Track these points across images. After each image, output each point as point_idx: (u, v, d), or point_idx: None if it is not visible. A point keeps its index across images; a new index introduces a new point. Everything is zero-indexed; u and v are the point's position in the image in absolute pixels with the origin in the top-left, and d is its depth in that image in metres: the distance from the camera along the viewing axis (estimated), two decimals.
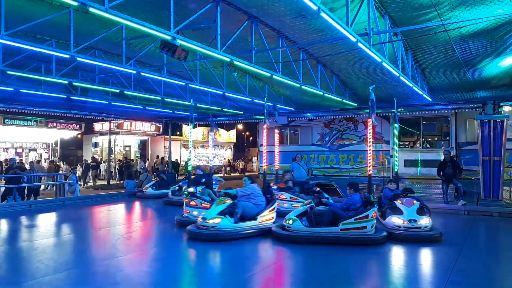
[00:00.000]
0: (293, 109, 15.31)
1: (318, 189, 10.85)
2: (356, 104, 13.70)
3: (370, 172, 7.98)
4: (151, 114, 16.28)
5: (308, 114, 15.98)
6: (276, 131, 13.31)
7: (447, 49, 8.85)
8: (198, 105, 14.11)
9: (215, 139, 31.28)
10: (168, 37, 6.43)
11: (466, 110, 12.76)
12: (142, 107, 14.61)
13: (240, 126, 39.37)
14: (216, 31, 7.11)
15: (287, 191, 10.53)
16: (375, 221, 7.21)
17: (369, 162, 8.06)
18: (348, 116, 15.84)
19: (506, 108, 11.99)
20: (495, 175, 11.59)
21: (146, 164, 25.02)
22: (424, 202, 8.21)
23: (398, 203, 7.83)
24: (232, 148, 35.55)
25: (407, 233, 7.22)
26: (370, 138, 8.20)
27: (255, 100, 12.79)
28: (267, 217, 7.78)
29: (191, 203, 8.63)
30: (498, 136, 11.44)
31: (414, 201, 7.81)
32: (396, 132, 9.70)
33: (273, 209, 8.01)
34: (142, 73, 9.48)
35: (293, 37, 8.90)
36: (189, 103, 13.68)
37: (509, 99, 11.67)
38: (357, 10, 6.66)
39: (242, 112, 16.75)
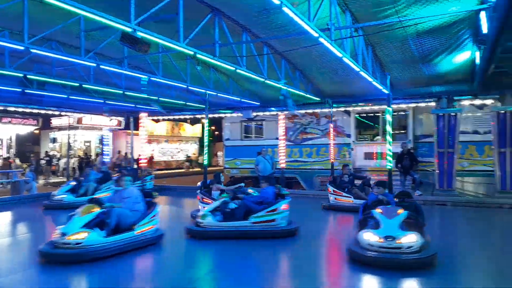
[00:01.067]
0: (258, 103, 15.40)
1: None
2: (319, 99, 13.96)
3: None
4: (113, 109, 15.85)
5: (273, 109, 16.12)
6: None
7: (405, 45, 9.20)
8: (161, 99, 13.89)
9: (179, 134, 30.96)
10: (129, 29, 6.28)
11: (422, 104, 13.34)
12: (102, 101, 14.19)
13: (205, 121, 39.17)
14: (178, 23, 7.02)
15: None
16: (287, 213, 7.25)
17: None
18: (312, 110, 16.13)
19: (459, 102, 12.64)
20: (450, 166, 12.23)
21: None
22: (422, 211, 6.54)
23: (376, 212, 5.96)
24: (197, 143, 35.26)
25: (380, 256, 5.26)
26: (282, 135, 8.37)
27: (219, 95, 12.74)
28: (147, 226, 6.52)
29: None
30: (452, 129, 12.06)
31: (399, 211, 5.87)
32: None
33: (154, 216, 6.74)
34: (102, 66, 9.21)
35: (257, 31, 8.94)
36: (153, 97, 13.50)
37: (462, 94, 12.31)
38: (319, 5, 6.77)
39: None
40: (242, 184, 9.79)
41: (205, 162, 10.83)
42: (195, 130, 34.46)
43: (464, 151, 13.66)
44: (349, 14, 7.94)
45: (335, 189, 10.51)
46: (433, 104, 12.79)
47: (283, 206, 7.21)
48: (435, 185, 12.51)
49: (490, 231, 8.59)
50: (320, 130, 16.47)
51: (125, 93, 12.86)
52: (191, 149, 34.39)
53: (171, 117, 23.00)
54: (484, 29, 7.71)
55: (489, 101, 12.59)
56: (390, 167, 7.91)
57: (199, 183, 9.46)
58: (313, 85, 13.38)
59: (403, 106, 14.25)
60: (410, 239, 5.29)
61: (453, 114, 11.99)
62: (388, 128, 8.00)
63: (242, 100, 14.28)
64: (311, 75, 12.59)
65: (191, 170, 30.81)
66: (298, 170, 16.74)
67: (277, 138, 16.98)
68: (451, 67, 10.64)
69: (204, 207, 8.34)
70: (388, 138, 8.06)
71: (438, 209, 10.81)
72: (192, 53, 7.76)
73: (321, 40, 7.08)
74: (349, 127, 15.70)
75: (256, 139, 17.72)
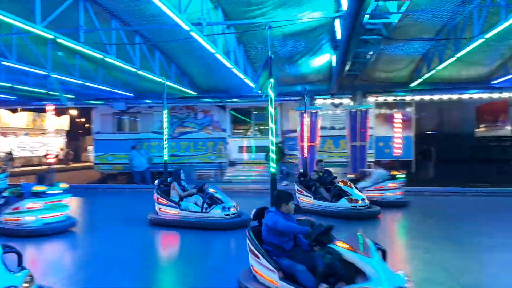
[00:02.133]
0: (133, 95, 14.77)
1: None
2: (195, 93, 14.03)
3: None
4: None
5: (148, 101, 15.64)
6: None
7: (273, 45, 9.83)
8: (15, 86, 12.28)
9: (41, 126, 27.79)
10: None
11: (288, 101, 14.48)
12: None
13: (74, 112, 35.83)
14: (35, 2, 6.34)
15: None
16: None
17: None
18: (188, 105, 16.13)
19: (319, 101, 14.08)
20: (311, 158, 13.55)
21: None
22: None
23: None
24: (65, 136, 32.12)
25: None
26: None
27: (86, 84, 11.84)
28: None
29: None
30: (313, 125, 13.41)
31: None
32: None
33: None
34: None
35: (127, 20, 8.57)
36: (5, 84, 11.84)
37: (322, 93, 13.72)
38: None
39: (73, 97, 15.32)
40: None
41: (165, 158, 9.28)
42: (61, 122, 31.31)
43: (323, 144, 15.25)
44: (221, 10, 8.17)
45: (298, 187, 9.27)
46: (297, 101, 13.99)
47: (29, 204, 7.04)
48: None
49: None
50: (197, 124, 16.56)
51: None
52: (57, 143, 31.18)
53: (31, 107, 20.54)
54: (338, 35, 8.74)
55: (344, 100, 14.27)
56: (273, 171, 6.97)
57: (156, 181, 8.42)
58: (189, 79, 13.40)
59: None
60: None
61: (314, 111, 13.31)
62: (271, 125, 7.99)
63: (114, 90, 13.52)
64: (187, 69, 12.58)
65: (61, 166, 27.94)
66: (176, 164, 16.58)
67: (153, 132, 16.53)
68: (313, 68, 11.77)
69: (160, 208, 7.88)
70: (271, 137, 8.50)
71: None
72: (51, 37, 7.07)
73: (193, 34, 7.15)
74: (225, 122, 16.15)
75: (130, 132, 16.95)
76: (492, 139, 17.14)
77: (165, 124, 9.25)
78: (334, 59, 10.67)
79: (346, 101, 14.26)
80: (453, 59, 9.21)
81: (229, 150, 16.04)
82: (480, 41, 7.84)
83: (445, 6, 7.84)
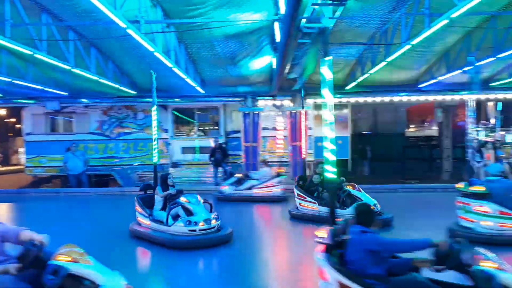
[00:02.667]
0: (67, 93, 14.02)
1: None
2: (135, 92, 13.64)
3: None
4: None
5: (84, 100, 14.94)
6: None
7: (214, 45, 9.84)
8: None
9: None
10: None
11: (232, 102, 14.56)
12: None
13: (2, 112, 33.26)
14: None
15: None
16: None
17: None
18: (128, 104, 15.63)
19: (261, 102, 14.30)
20: (254, 158, 13.82)
21: None
22: None
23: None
24: None
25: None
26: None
27: (14, 81, 11.06)
28: None
29: None
30: (256, 125, 13.66)
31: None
32: None
33: None
34: None
35: (60, 14, 8.15)
36: None
37: (264, 94, 13.96)
38: None
39: (0, 95, 14.27)
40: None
41: (155, 160, 8.24)
42: None
43: (265, 145, 15.51)
44: (160, 9, 8.03)
45: (299, 192, 8.52)
46: (240, 102, 14.11)
47: None
48: None
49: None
50: (137, 124, 16.09)
51: None
52: None
53: None
54: (277, 38, 8.94)
55: (285, 102, 14.61)
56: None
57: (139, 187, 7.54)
58: (128, 77, 13.00)
59: (215, 103, 15.22)
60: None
61: (256, 112, 13.52)
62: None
63: (46, 89, 12.76)
64: (125, 68, 12.20)
65: None
66: (114, 166, 15.98)
67: (90, 133, 15.83)
68: (254, 70, 11.94)
69: (137, 217, 6.95)
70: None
71: None
72: None
73: (130, 32, 6.96)
74: (167, 122, 15.86)
75: (64, 133, 16.06)
76: (421, 138, 18.42)
77: (154, 123, 8.35)
78: (274, 61, 10.89)
79: (287, 102, 14.61)
80: (384, 63, 9.80)
81: (172, 151, 15.77)
82: (407, 47, 8.43)
83: (376, 13, 8.34)
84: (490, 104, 22.57)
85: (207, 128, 16.38)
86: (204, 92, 13.22)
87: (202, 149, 15.48)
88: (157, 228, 6.57)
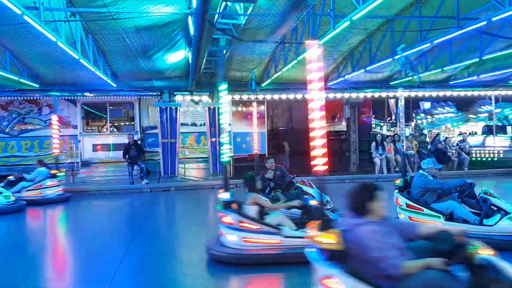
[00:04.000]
0: None
1: None
2: (37, 85, 12.56)
3: None
4: None
5: None
6: None
7: (125, 37, 9.45)
8: None
9: None
10: None
11: (148, 97, 14.12)
12: None
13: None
14: None
15: None
16: None
17: None
18: (31, 98, 14.37)
19: (179, 97, 14.10)
20: (172, 155, 13.55)
21: None
22: None
23: None
24: None
25: None
26: None
27: None
28: None
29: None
30: (174, 121, 13.40)
31: None
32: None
33: None
34: None
35: None
36: None
37: (181, 89, 13.75)
38: None
39: None
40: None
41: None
42: None
43: (185, 141, 15.34)
44: None
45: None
46: (157, 97, 13.73)
47: None
48: (161, 173, 13.56)
49: (200, 204, 10.28)
50: (42, 120, 14.87)
51: None
52: None
53: None
54: (192, 32, 8.87)
55: (203, 97, 14.56)
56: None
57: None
58: (30, 69, 11.92)
59: (129, 98, 14.65)
60: None
61: (174, 107, 13.28)
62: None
63: None
64: (25, 59, 11.16)
65: None
66: (18, 166, 14.60)
67: None
68: (169, 64, 11.70)
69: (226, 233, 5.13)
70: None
71: (163, 194, 11.80)
72: None
73: (27, 19, 6.40)
74: (76, 118, 14.89)
75: None
76: (332, 133, 19.58)
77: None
78: (190, 56, 10.78)
79: (205, 98, 14.58)
80: (294, 62, 10.23)
81: (82, 149, 14.85)
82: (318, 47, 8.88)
83: (286, 12, 8.67)
84: (392, 101, 24.81)
85: (121, 123, 15.69)
86: (116, 86, 12.62)
87: (116, 146, 14.82)
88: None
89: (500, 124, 21.02)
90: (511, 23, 8.86)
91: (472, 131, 23.28)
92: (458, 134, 21.28)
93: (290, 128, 23.14)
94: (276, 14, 8.53)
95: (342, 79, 13.11)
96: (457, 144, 15.18)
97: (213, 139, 13.72)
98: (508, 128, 20.18)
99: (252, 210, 5.25)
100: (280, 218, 5.21)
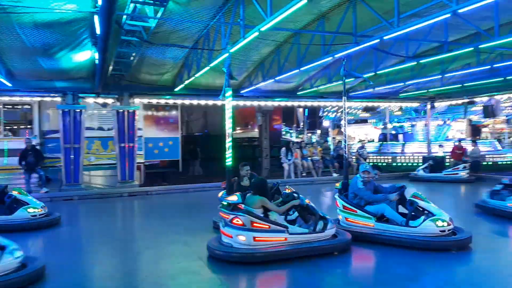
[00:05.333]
0: None
1: None
2: None
3: None
4: None
5: None
6: None
7: (21, 34, 8.67)
8: None
9: None
10: None
11: (49, 98, 13.06)
12: None
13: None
14: None
15: None
16: None
17: None
18: None
19: (85, 100, 13.27)
20: (76, 161, 12.62)
21: None
22: None
23: None
24: None
25: None
26: None
27: None
28: None
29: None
30: (78, 125, 12.51)
31: None
32: None
33: None
34: None
35: None
36: None
37: (87, 91, 12.97)
38: None
39: None
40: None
41: None
42: None
43: (91, 146, 14.46)
44: None
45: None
46: (59, 99, 12.75)
47: None
48: (63, 181, 12.60)
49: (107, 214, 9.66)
50: None
51: None
52: None
53: None
54: (98, 31, 8.47)
55: (110, 100, 13.85)
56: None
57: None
58: None
59: (27, 99, 13.42)
60: None
61: (78, 110, 12.45)
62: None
63: None
64: None
65: None
66: None
67: None
68: (74, 64, 10.99)
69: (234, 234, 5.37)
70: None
71: (65, 204, 10.95)
72: None
73: None
74: None
75: None
76: (245, 140, 20.08)
77: None
78: (96, 56, 10.26)
79: (111, 101, 13.89)
80: (207, 68, 10.32)
81: None
82: (226, 54, 9.06)
83: (198, 18, 8.74)
84: (300, 110, 26.21)
85: (16, 127, 14.30)
86: (11, 85, 11.49)
87: (12, 152, 13.46)
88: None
89: (393, 132, 23.46)
90: (400, 42, 10.01)
91: (370, 139, 25.64)
92: (358, 141, 23.27)
93: (205, 133, 23.17)
94: (188, 20, 8.55)
95: (253, 87, 13.52)
96: (357, 151, 16.54)
97: (122, 144, 13.13)
98: (400, 136, 22.64)
99: (258, 213, 5.56)
100: (275, 217, 5.68)
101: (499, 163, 17.84)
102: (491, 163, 17.44)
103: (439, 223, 5.78)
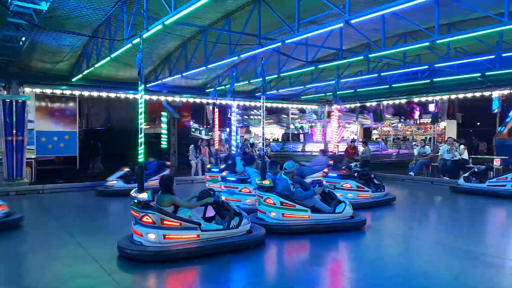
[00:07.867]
0: None
1: None
2: None
3: None
4: None
5: None
6: None
7: None
8: None
9: None
10: None
11: None
12: None
13: None
14: None
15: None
16: None
17: None
18: None
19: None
20: (19, 154, 11.75)
21: None
22: None
23: None
24: None
25: None
26: None
27: None
28: None
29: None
30: (21, 117, 11.51)
31: None
32: None
33: None
34: None
35: None
36: None
37: (32, 82, 11.72)
38: None
39: None
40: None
41: None
42: None
43: None
44: None
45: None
46: None
47: None
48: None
49: None
50: None
51: None
52: None
53: None
54: None
55: None
56: None
57: None
58: None
59: None
60: None
61: (21, 101, 11.20)
62: None
63: None
64: None
65: None
66: None
67: None
68: None
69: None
70: None
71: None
72: None
73: None
74: None
75: None
76: (152, 135, 19.40)
77: None
78: None
79: None
80: (108, 58, 9.79)
81: None
82: (129, 45, 8.71)
83: (99, 5, 8.25)
84: (209, 107, 26.24)
85: None
86: None
87: None
88: None
89: (296, 132, 24.78)
90: (301, 46, 10.58)
91: (275, 138, 26.76)
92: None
93: (108, 128, 21.95)
94: (86, 6, 8.03)
95: (160, 82, 13.16)
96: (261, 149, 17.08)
97: (9, 138, 11.83)
98: (301, 136, 24.02)
99: (168, 211, 5.43)
100: (190, 214, 5.59)
101: (385, 161, 19.96)
102: (379, 161, 19.39)
103: (351, 206, 7.01)
